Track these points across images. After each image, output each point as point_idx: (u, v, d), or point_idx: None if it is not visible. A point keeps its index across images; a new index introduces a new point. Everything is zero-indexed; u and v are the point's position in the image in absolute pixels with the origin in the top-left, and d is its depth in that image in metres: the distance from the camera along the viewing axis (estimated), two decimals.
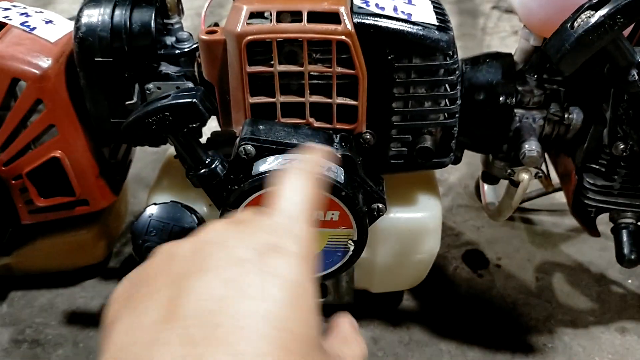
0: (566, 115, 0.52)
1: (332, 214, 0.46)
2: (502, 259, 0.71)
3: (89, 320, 0.63)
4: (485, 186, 0.70)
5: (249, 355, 0.19)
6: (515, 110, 0.52)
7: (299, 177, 0.26)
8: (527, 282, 0.68)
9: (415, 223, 0.53)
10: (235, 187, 0.46)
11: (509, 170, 0.55)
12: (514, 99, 0.51)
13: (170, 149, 0.60)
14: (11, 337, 0.61)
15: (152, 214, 0.52)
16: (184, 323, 0.20)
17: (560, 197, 0.74)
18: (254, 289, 0.21)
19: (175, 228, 0.52)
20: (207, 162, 0.46)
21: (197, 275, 0.22)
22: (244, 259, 0.22)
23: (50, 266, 0.63)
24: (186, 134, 0.44)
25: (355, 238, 0.46)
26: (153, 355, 0.19)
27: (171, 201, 0.53)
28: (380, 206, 0.48)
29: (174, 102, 0.42)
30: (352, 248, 0.47)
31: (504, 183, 0.60)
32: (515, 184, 0.56)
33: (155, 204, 0.53)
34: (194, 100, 0.42)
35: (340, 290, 0.60)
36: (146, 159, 0.83)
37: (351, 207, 0.44)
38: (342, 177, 0.45)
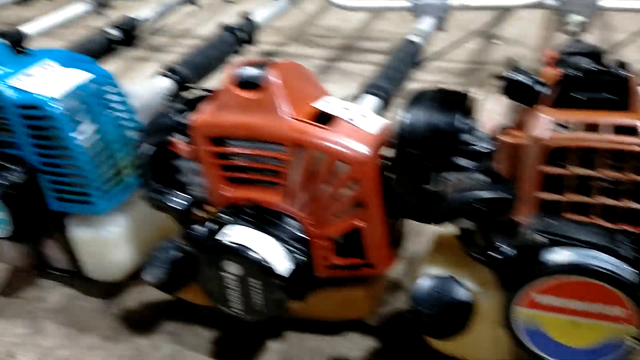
0: None
1: (615, 309, 0.49)
2: None
3: None
4: None
5: None
6: None
7: None
8: None
9: None
10: (522, 271, 0.52)
11: None
12: None
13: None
14: None
15: (431, 285, 0.60)
16: None
17: None
18: None
19: (451, 300, 0.59)
20: (499, 247, 0.53)
21: None
22: None
23: (323, 315, 0.73)
24: (489, 223, 0.51)
25: (636, 336, 0.49)
26: None
27: (448, 275, 0.60)
28: None
29: (494, 195, 0.50)
30: (631, 345, 0.50)
31: None
32: None
33: (430, 275, 0.61)
34: (510, 196, 0.50)
35: None
36: None
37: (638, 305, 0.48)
38: (632, 275, 0.48)
